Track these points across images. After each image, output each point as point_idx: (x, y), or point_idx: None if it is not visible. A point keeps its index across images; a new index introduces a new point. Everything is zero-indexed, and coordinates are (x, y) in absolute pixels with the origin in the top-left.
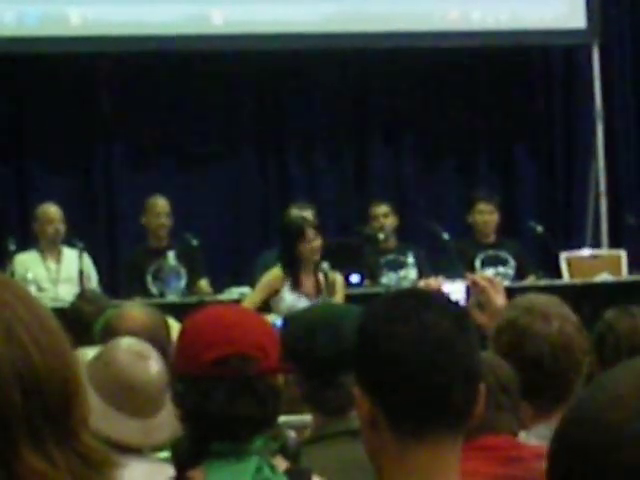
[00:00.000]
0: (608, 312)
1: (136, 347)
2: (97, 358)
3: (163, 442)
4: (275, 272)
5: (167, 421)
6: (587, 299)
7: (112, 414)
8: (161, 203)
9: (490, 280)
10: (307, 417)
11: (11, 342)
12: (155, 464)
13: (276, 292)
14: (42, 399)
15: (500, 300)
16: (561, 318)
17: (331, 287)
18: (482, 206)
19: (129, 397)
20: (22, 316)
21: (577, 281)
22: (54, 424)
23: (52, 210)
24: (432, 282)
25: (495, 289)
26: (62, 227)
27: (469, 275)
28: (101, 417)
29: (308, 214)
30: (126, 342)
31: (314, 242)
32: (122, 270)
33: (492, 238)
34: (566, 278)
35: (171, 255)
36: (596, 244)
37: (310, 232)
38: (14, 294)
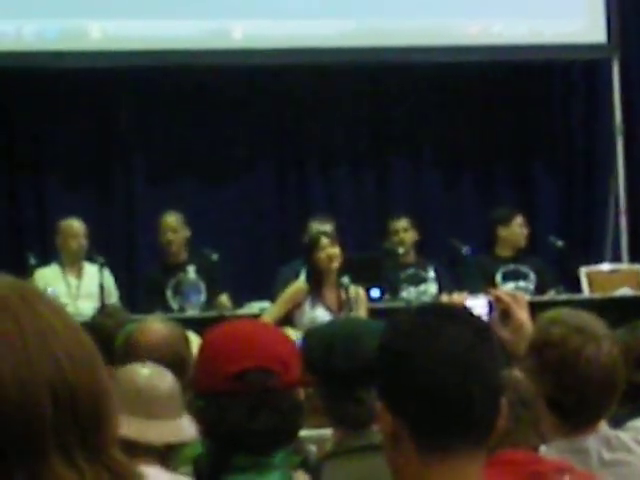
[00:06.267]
0: (619, 330)
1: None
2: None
3: (186, 440)
4: (297, 285)
5: (187, 426)
6: (607, 313)
7: (126, 418)
8: (169, 220)
9: (513, 295)
10: (328, 431)
11: (45, 354)
12: (176, 477)
13: (298, 306)
14: (73, 412)
15: (523, 315)
16: (610, 341)
17: (352, 301)
18: (520, 219)
19: (143, 401)
20: (57, 329)
21: (597, 295)
22: (84, 437)
23: (76, 225)
24: (456, 297)
25: (518, 304)
26: (85, 242)
27: (492, 290)
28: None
29: (327, 227)
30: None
31: (329, 249)
32: (142, 285)
33: (513, 252)
34: (586, 292)
35: (191, 270)
36: (616, 259)
37: (324, 240)
38: (50, 307)
